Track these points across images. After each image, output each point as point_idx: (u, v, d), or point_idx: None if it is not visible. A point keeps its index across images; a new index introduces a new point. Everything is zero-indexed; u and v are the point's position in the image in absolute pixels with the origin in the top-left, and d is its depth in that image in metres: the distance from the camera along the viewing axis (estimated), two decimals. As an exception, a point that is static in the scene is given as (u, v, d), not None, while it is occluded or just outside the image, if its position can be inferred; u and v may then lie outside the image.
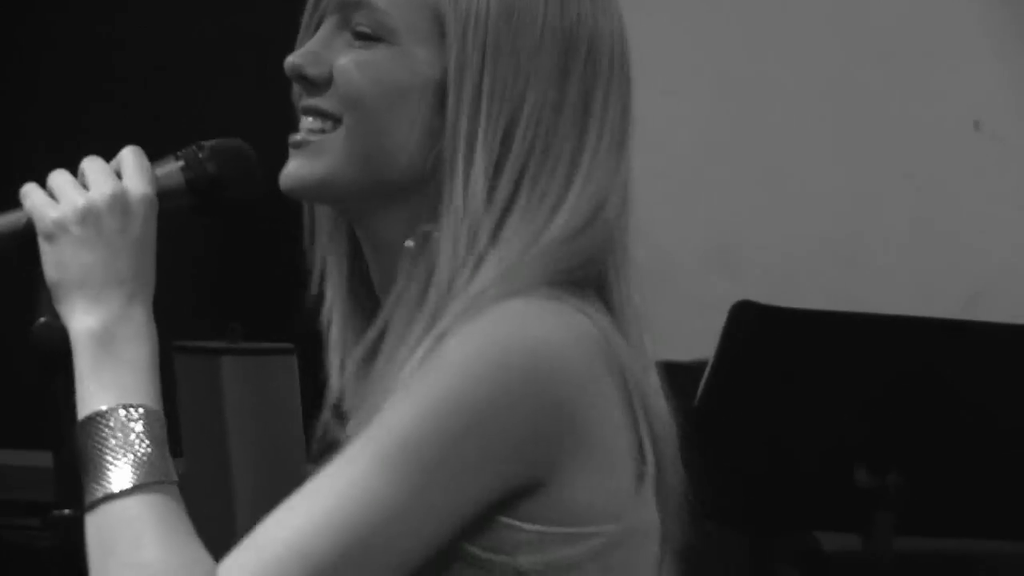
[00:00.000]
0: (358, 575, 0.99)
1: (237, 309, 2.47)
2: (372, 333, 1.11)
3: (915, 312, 2.45)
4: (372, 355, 1.13)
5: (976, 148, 3.47)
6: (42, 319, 1.03)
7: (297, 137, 1.07)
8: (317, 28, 1.08)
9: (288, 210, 1.27)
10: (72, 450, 1.06)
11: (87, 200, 1.05)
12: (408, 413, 1.00)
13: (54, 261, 1.05)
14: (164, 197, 1.05)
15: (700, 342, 2.30)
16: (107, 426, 1.04)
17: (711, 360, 2.21)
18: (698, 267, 2.99)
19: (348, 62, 1.05)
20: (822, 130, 3.39)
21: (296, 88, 1.07)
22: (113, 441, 1.05)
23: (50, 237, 1.05)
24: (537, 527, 0.99)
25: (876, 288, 3.07)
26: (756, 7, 3.42)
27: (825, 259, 3.22)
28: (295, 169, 1.06)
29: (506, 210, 1.06)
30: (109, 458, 1.03)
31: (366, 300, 1.16)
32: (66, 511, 1.03)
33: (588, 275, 1.08)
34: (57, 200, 1.06)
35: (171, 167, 1.06)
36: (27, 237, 1.05)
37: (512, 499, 0.99)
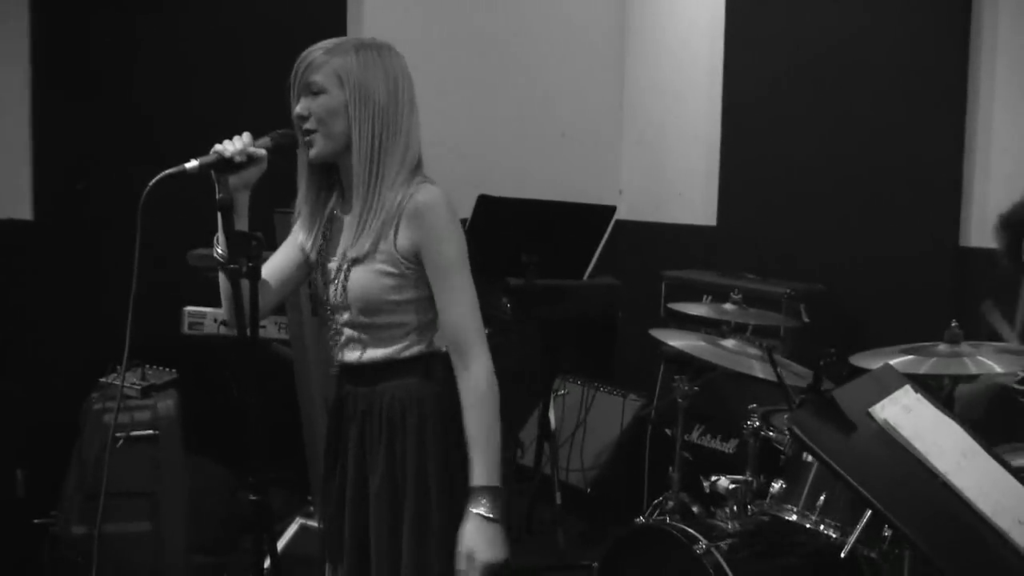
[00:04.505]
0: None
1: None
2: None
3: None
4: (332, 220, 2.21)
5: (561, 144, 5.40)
6: (220, 195, 2.03)
7: (305, 140, 2.12)
8: (296, 96, 2.13)
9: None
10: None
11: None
12: (454, 250, 2.09)
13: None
14: (263, 149, 2.08)
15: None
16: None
17: (469, 219, 3.68)
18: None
19: (314, 105, 2.09)
20: (500, 130, 5.21)
21: (295, 118, 2.13)
22: None
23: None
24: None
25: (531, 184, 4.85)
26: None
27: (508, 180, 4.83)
28: (311, 153, 2.12)
29: (382, 150, 2.08)
30: None
31: (323, 200, 2.24)
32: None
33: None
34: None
35: (265, 140, 2.11)
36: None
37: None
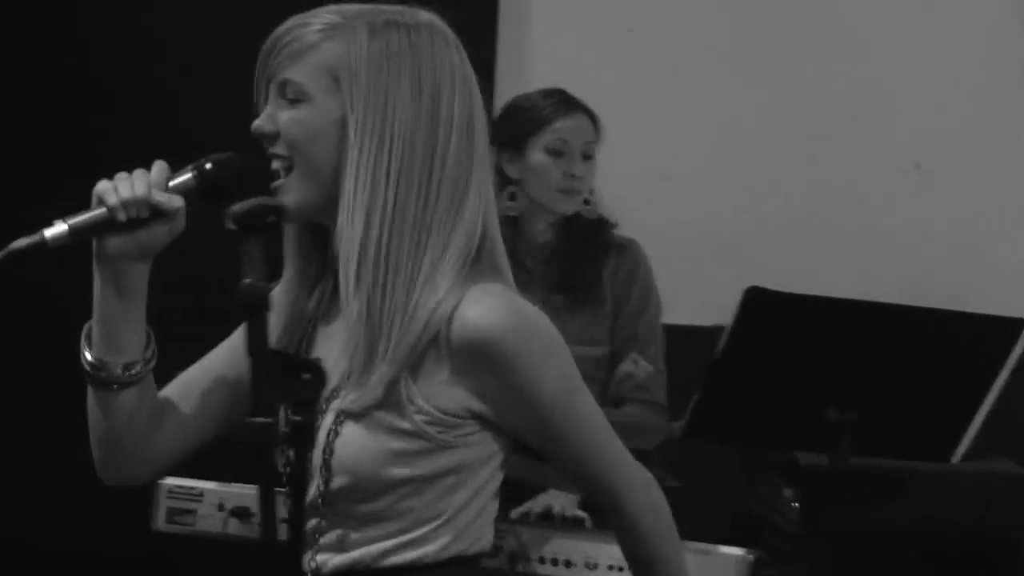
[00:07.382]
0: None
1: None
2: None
3: (865, 296, 3.05)
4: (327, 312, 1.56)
5: (915, 180, 4.14)
6: (247, 280, 1.44)
7: (274, 185, 1.50)
8: (265, 94, 1.51)
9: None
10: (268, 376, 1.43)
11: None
12: (554, 383, 1.51)
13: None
14: (182, 194, 1.46)
15: (711, 312, 3.12)
16: None
17: (729, 326, 2.79)
18: (703, 255, 3.63)
19: (286, 120, 1.49)
20: (802, 167, 4.05)
21: (255, 133, 1.50)
22: None
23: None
24: None
25: (839, 279, 3.64)
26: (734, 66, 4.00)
27: (801, 255, 3.89)
28: (283, 202, 1.48)
29: (400, 217, 1.46)
30: None
31: (310, 282, 1.57)
32: (258, 419, 1.45)
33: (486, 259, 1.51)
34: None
35: (187, 176, 1.49)
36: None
37: None
